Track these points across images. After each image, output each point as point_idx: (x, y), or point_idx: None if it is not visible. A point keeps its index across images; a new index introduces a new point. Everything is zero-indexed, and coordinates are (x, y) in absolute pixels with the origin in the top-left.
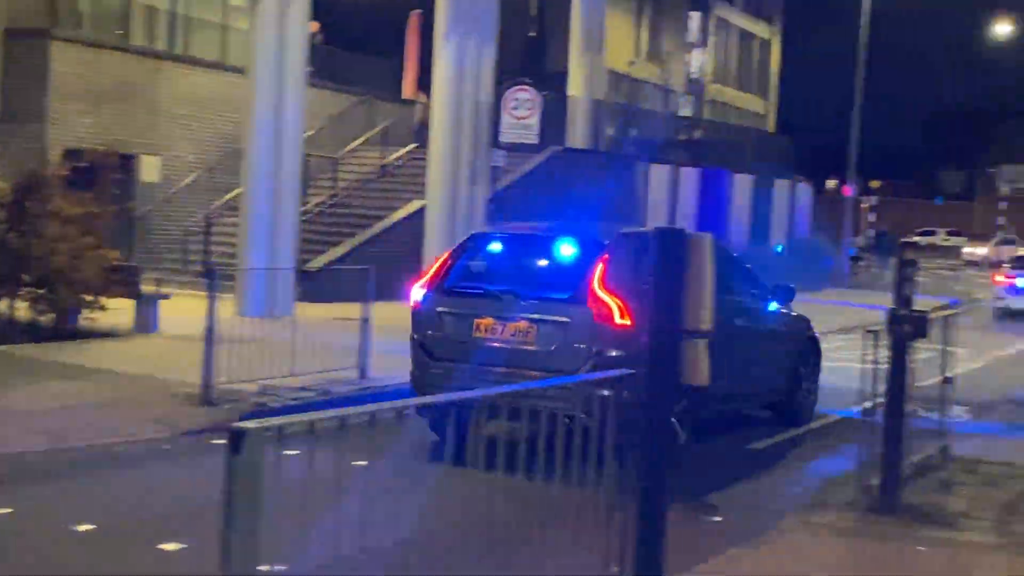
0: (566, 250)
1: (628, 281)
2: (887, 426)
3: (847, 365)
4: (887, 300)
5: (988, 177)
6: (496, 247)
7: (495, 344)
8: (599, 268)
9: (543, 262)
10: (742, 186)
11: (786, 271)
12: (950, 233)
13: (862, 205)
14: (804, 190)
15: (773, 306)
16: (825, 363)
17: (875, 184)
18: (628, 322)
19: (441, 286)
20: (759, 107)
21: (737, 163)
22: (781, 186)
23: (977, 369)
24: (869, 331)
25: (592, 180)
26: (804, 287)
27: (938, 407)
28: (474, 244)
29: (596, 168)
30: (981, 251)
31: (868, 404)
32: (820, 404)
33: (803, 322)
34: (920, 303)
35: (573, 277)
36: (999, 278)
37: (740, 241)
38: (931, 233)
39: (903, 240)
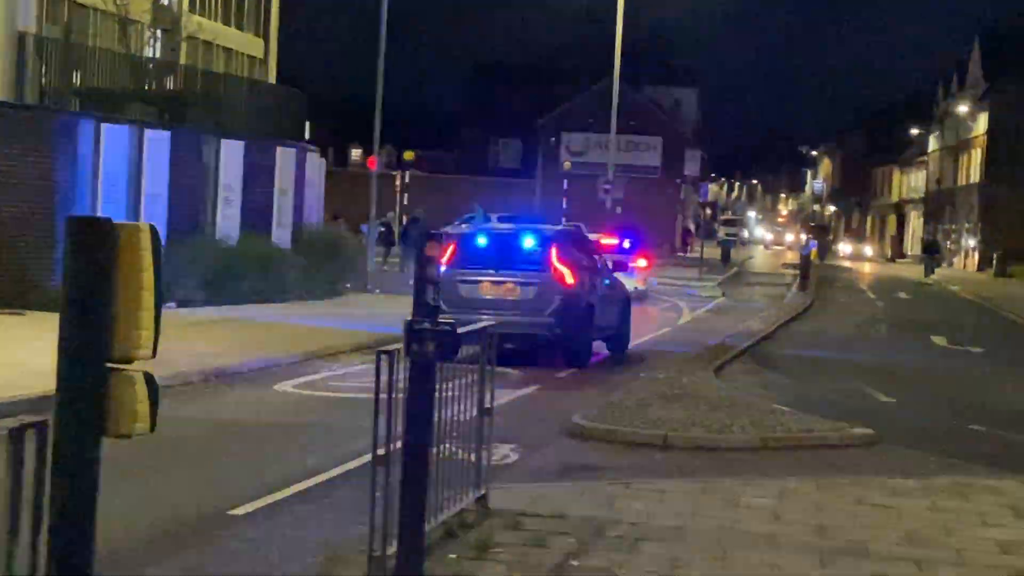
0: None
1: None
2: (405, 478)
3: (356, 396)
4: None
5: (551, 148)
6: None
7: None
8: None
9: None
10: (232, 155)
11: (293, 270)
12: (503, 220)
13: (396, 182)
14: (316, 162)
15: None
16: (329, 394)
17: (410, 156)
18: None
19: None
20: (256, 50)
21: (226, 124)
22: (286, 156)
23: (525, 396)
24: (383, 352)
25: (18, 143)
26: (311, 294)
27: (476, 447)
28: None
29: (22, 129)
30: None
31: (381, 451)
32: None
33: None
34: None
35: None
36: None
37: (231, 229)
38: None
39: (432, 232)
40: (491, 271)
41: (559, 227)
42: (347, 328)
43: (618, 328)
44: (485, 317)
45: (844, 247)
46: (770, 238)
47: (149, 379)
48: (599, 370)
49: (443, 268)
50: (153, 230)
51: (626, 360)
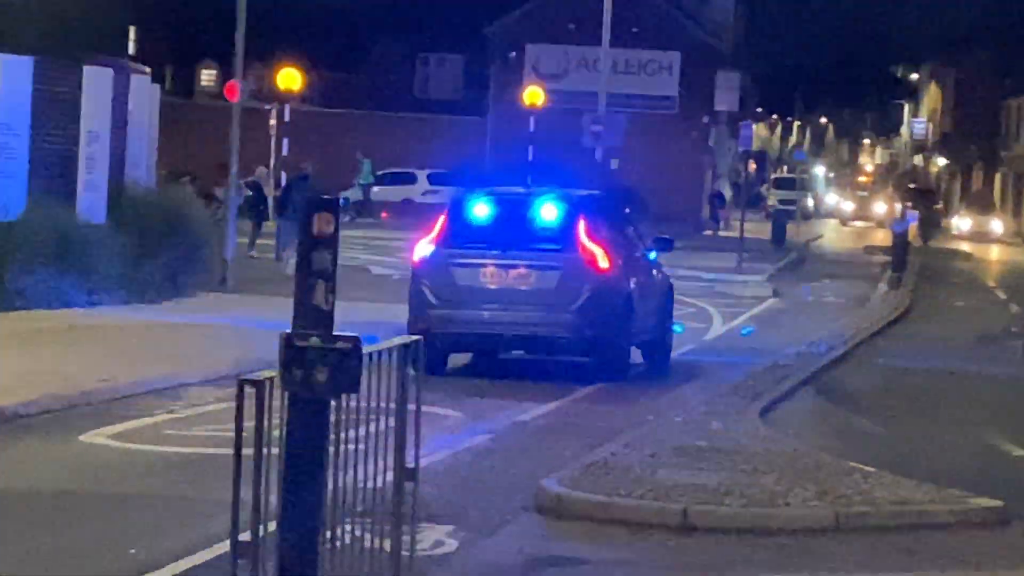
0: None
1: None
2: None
3: (207, 451)
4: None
5: (509, 68)
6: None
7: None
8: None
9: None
10: (12, 79)
11: (110, 257)
12: (437, 180)
13: (270, 121)
14: (147, 90)
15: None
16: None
17: (293, 81)
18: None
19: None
20: None
21: (3, 32)
22: (97, 80)
23: (485, 444)
24: (248, 382)
25: None
26: (139, 294)
27: (392, 529)
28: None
29: None
30: None
31: (244, 536)
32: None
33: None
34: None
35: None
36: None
37: (11, 195)
38: (407, 179)
39: (325, 197)
40: (496, 252)
41: (585, 192)
42: (194, 346)
43: (659, 330)
44: (489, 313)
45: (960, 222)
46: (849, 208)
47: None
48: (595, 401)
49: (430, 248)
50: None
51: (624, 396)
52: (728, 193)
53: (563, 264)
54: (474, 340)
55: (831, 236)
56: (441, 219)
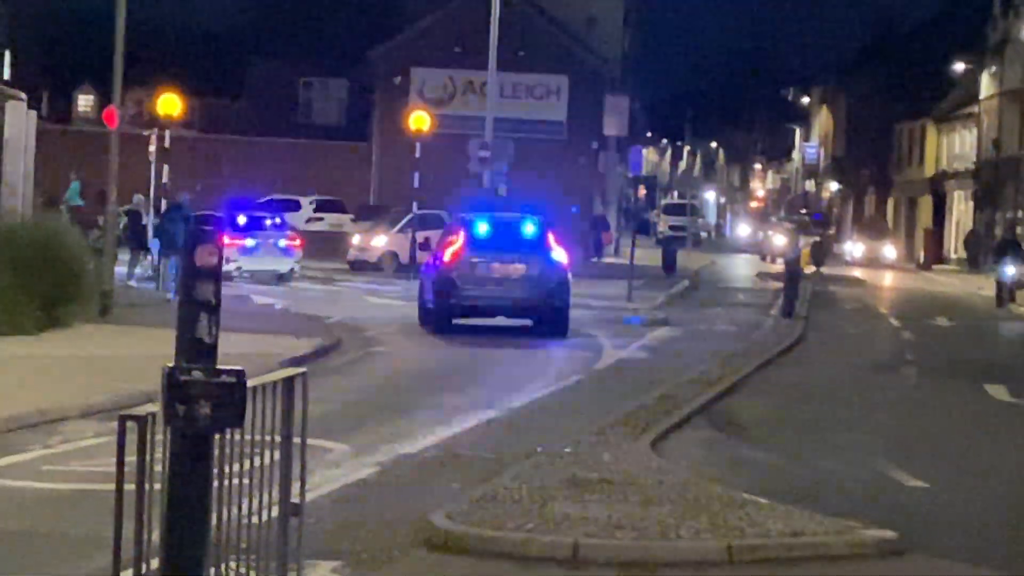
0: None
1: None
2: None
3: (88, 487)
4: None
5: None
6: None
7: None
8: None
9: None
10: None
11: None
12: (321, 207)
13: (150, 147)
14: (22, 115)
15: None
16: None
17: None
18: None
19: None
20: None
21: None
22: None
23: (370, 478)
24: (129, 417)
25: None
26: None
27: (278, 566)
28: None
29: None
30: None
31: (127, 574)
32: None
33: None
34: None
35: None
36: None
37: None
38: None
39: (206, 227)
40: (499, 253)
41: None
42: (72, 380)
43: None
44: (496, 291)
45: (853, 247)
46: (747, 234)
47: None
48: (482, 434)
49: (457, 251)
50: None
51: (514, 426)
52: (604, 214)
53: (541, 261)
54: (486, 308)
55: (722, 263)
56: (461, 233)
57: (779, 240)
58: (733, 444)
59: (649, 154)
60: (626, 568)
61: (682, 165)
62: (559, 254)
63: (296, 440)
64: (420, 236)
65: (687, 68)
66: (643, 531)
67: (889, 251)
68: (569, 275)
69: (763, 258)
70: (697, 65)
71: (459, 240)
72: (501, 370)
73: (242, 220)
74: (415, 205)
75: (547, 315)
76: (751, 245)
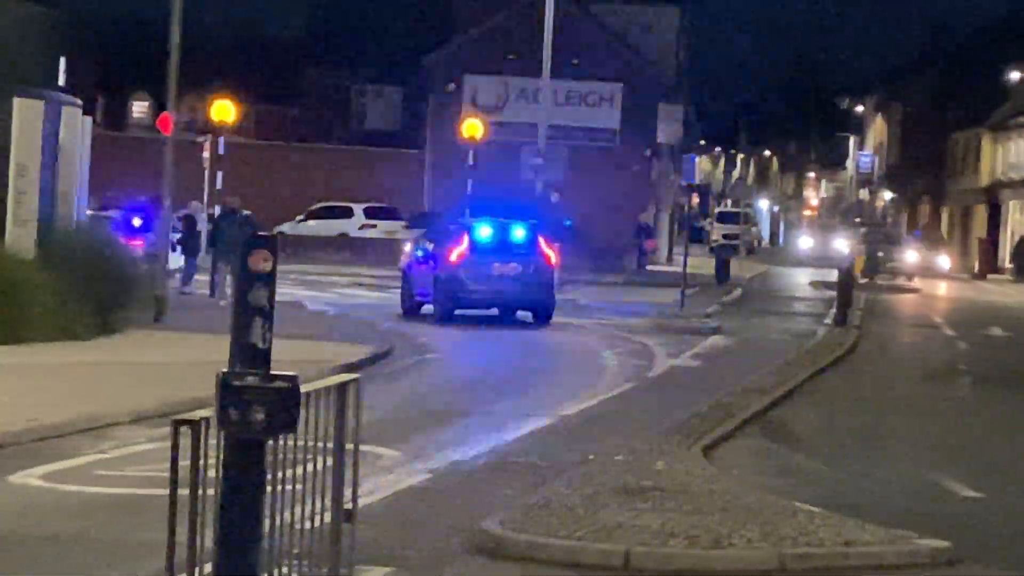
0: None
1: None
2: None
3: (140, 492)
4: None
5: (447, 100)
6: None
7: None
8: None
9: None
10: None
11: (40, 294)
12: (374, 214)
13: (204, 153)
14: (78, 121)
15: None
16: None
17: (226, 113)
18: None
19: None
20: None
21: None
22: (27, 112)
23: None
24: (183, 422)
25: None
26: (69, 332)
27: (330, 571)
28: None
29: None
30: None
31: None
32: None
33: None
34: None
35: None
36: None
37: None
38: (342, 213)
39: (262, 234)
40: (499, 254)
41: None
42: (125, 385)
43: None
44: (496, 287)
45: (905, 255)
46: (809, 246)
47: None
48: (534, 441)
49: (462, 252)
50: None
51: (566, 433)
52: (650, 222)
53: (534, 261)
54: (486, 301)
55: (776, 271)
56: (465, 236)
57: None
58: (786, 453)
59: (702, 162)
60: None
61: (735, 173)
62: (548, 256)
63: (349, 446)
64: None
65: (741, 76)
66: (695, 539)
67: (943, 261)
68: (556, 274)
69: (871, 275)
70: (751, 73)
71: (464, 243)
72: (555, 378)
73: (137, 222)
74: (467, 212)
75: (537, 307)
76: (816, 258)
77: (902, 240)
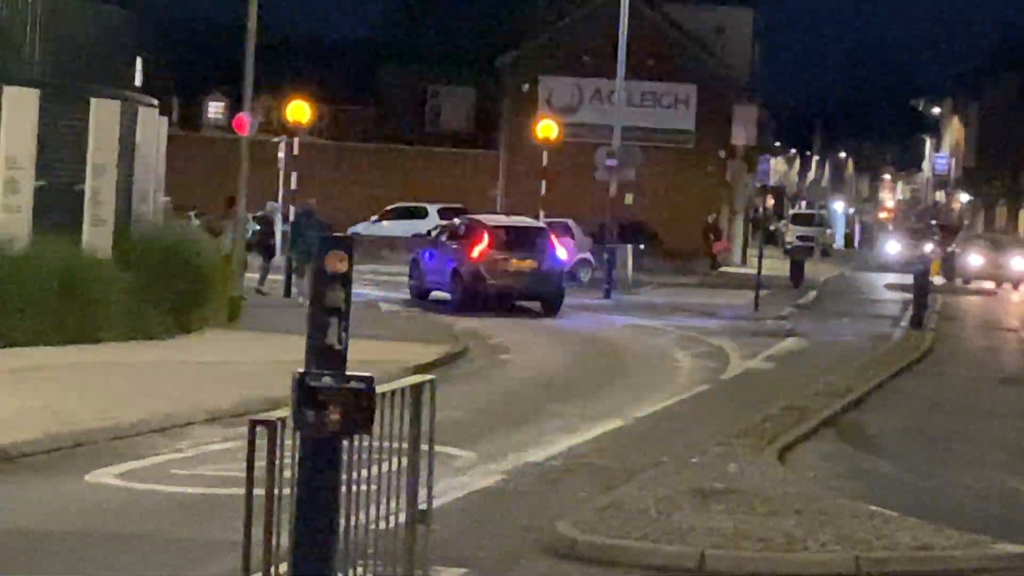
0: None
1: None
2: None
3: (215, 491)
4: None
5: (521, 101)
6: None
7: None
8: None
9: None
10: (19, 110)
11: (116, 293)
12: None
13: (279, 154)
14: (154, 121)
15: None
16: (172, 489)
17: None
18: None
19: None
20: None
21: (9, 62)
22: (104, 112)
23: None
24: (259, 422)
25: None
26: (144, 331)
27: (405, 570)
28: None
29: None
30: None
31: None
32: None
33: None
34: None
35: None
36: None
37: (16, 228)
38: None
39: (337, 235)
40: (516, 251)
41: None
42: (200, 385)
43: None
44: (514, 281)
45: (981, 259)
46: (896, 251)
47: None
48: (607, 443)
49: (484, 250)
50: None
51: (640, 435)
52: (716, 222)
53: (548, 258)
54: (506, 294)
55: (850, 273)
56: (485, 234)
57: (975, 259)
58: (860, 456)
59: (777, 164)
60: None
61: (810, 175)
62: (559, 253)
63: (424, 447)
64: None
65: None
66: (769, 542)
67: (1020, 263)
68: (565, 269)
69: (948, 278)
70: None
71: (484, 240)
72: (628, 379)
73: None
74: (541, 213)
75: (548, 299)
76: (903, 264)
77: (999, 244)
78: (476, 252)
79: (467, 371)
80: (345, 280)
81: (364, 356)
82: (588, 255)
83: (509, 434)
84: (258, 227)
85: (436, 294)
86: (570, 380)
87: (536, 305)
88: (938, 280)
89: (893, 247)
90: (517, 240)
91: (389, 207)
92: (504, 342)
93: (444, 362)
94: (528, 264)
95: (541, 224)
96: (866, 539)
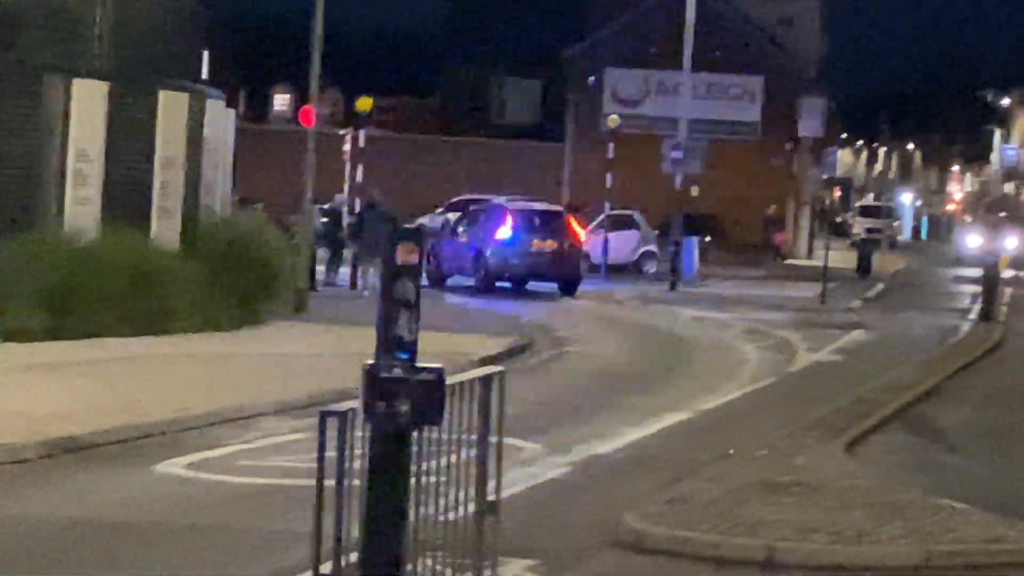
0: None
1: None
2: None
3: (284, 482)
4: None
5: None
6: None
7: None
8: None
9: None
10: (88, 103)
11: (185, 285)
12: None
13: (344, 146)
14: (222, 114)
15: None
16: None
17: (367, 104)
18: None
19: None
20: None
21: (78, 55)
22: (172, 105)
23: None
24: (329, 413)
25: None
26: (213, 323)
27: (474, 563)
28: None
29: None
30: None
31: (326, 569)
32: None
33: None
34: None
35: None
36: None
37: (85, 221)
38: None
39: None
40: (538, 234)
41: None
42: (268, 376)
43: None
44: (535, 262)
45: None
46: (977, 245)
47: None
48: (672, 435)
49: (507, 232)
50: None
51: (706, 428)
52: (775, 215)
53: (566, 240)
54: (527, 274)
55: (918, 266)
56: (509, 218)
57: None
58: (929, 449)
59: (844, 156)
60: (821, 572)
61: (878, 167)
62: (577, 236)
63: (492, 438)
64: (612, 237)
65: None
66: (838, 535)
67: None
68: (582, 251)
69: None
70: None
71: (508, 223)
72: (693, 371)
73: None
74: (607, 205)
75: (566, 279)
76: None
77: None
78: (500, 235)
79: (532, 363)
80: (415, 272)
81: (430, 348)
82: (654, 247)
83: (575, 426)
84: (326, 219)
85: (453, 280)
86: (636, 372)
87: (595, 296)
88: (1008, 273)
89: (974, 240)
90: (538, 223)
91: (453, 199)
92: (569, 335)
93: (510, 354)
94: (549, 245)
95: (559, 208)
96: (936, 532)
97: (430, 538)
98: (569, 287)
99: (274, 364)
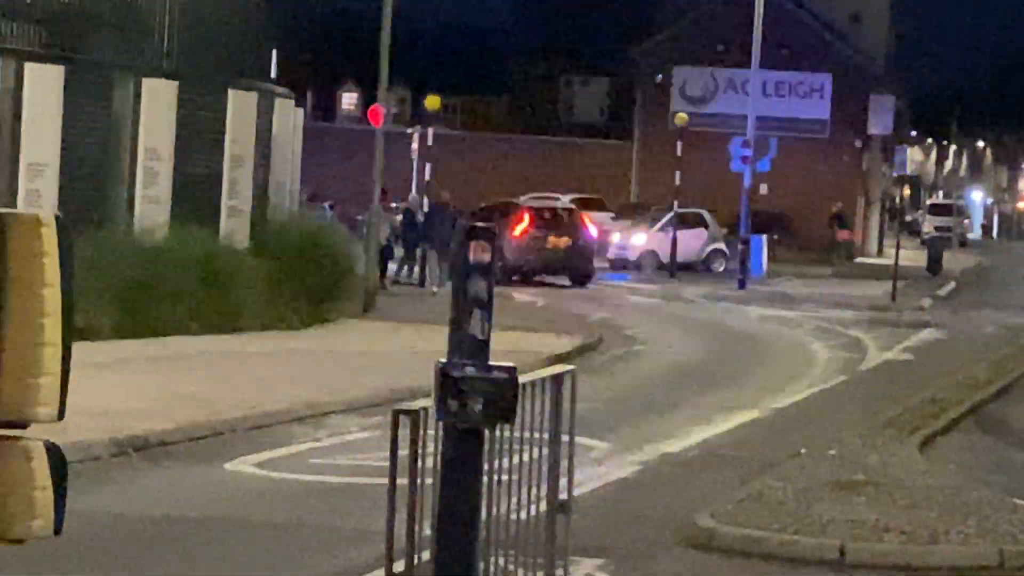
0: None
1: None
2: None
3: (355, 480)
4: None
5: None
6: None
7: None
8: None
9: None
10: (158, 102)
11: (254, 283)
12: (580, 205)
13: (412, 145)
14: (290, 113)
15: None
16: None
17: (435, 103)
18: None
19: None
20: None
21: (148, 54)
22: (241, 103)
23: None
24: (402, 412)
25: None
26: (282, 321)
27: (546, 562)
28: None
29: None
30: (637, 239)
31: (399, 567)
32: None
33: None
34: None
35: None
36: None
37: (155, 218)
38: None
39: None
40: (553, 230)
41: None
42: (339, 375)
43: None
44: (551, 256)
45: None
46: None
47: (54, 453)
48: (742, 434)
49: (525, 228)
50: (61, 224)
51: (777, 426)
52: (841, 212)
53: (580, 236)
54: (543, 267)
55: (989, 264)
56: (527, 215)
57: None
58: (1003, 448)
59: (914, 153)
60: (894, 572)
61: (948, 165)
62: (591, 232)
63: (564, 437)
64: (680, 235)
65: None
66: (911, 535)
67: None
68: (595, 246)
69: None
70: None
71: (525, 220)
72: (764, 370)
73: None
74: (675, 204)
75: (580, 273)
76: None
77: None
78: (518, 231)
79: (602, 361)
80: (487, 270)
81: (500, 346)
82: (722, 246)
83: (645, 425)
84: (402, 219)
85: None
86: (705, 371)
87: (662, 295)
88: None
89: None
90: (553, 219)
91: (521, 198)
92: (638, 333)
93: (579, 352)
94: (564, 241)
95: (572, 205)
96: (1010, 532)
97: (502, 537)
98: (581, 280)
99: (342, 362)
